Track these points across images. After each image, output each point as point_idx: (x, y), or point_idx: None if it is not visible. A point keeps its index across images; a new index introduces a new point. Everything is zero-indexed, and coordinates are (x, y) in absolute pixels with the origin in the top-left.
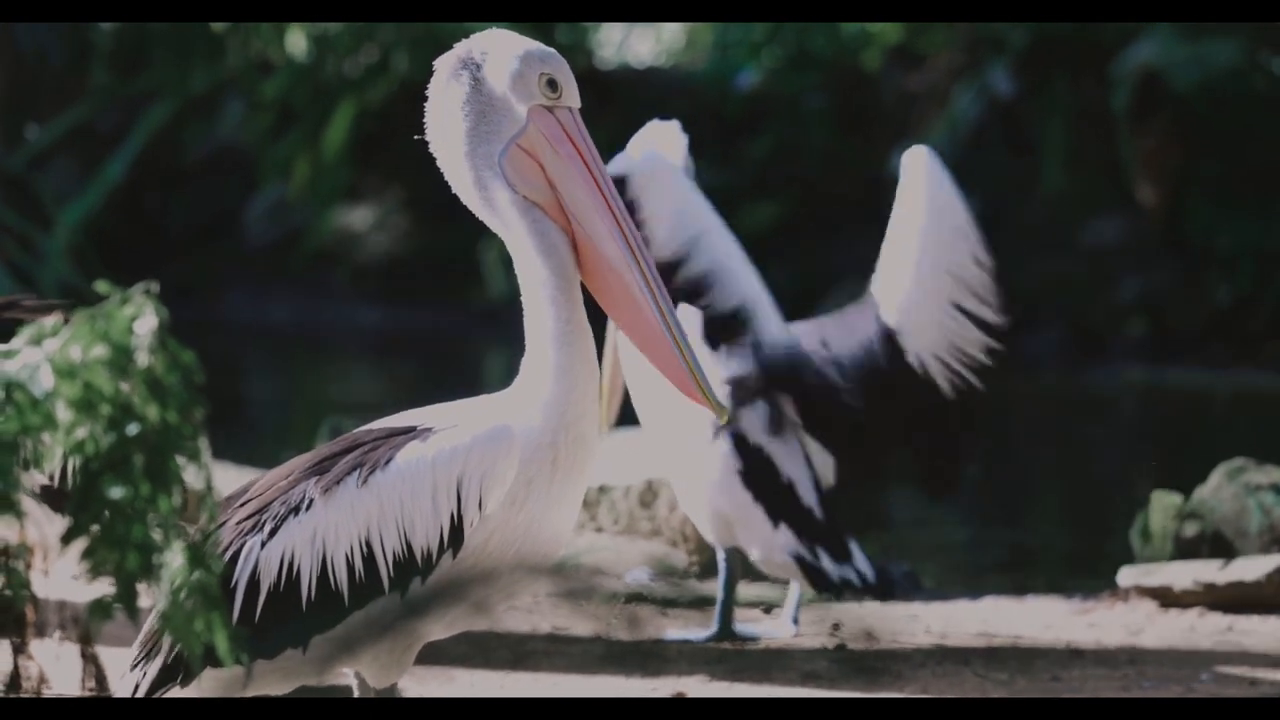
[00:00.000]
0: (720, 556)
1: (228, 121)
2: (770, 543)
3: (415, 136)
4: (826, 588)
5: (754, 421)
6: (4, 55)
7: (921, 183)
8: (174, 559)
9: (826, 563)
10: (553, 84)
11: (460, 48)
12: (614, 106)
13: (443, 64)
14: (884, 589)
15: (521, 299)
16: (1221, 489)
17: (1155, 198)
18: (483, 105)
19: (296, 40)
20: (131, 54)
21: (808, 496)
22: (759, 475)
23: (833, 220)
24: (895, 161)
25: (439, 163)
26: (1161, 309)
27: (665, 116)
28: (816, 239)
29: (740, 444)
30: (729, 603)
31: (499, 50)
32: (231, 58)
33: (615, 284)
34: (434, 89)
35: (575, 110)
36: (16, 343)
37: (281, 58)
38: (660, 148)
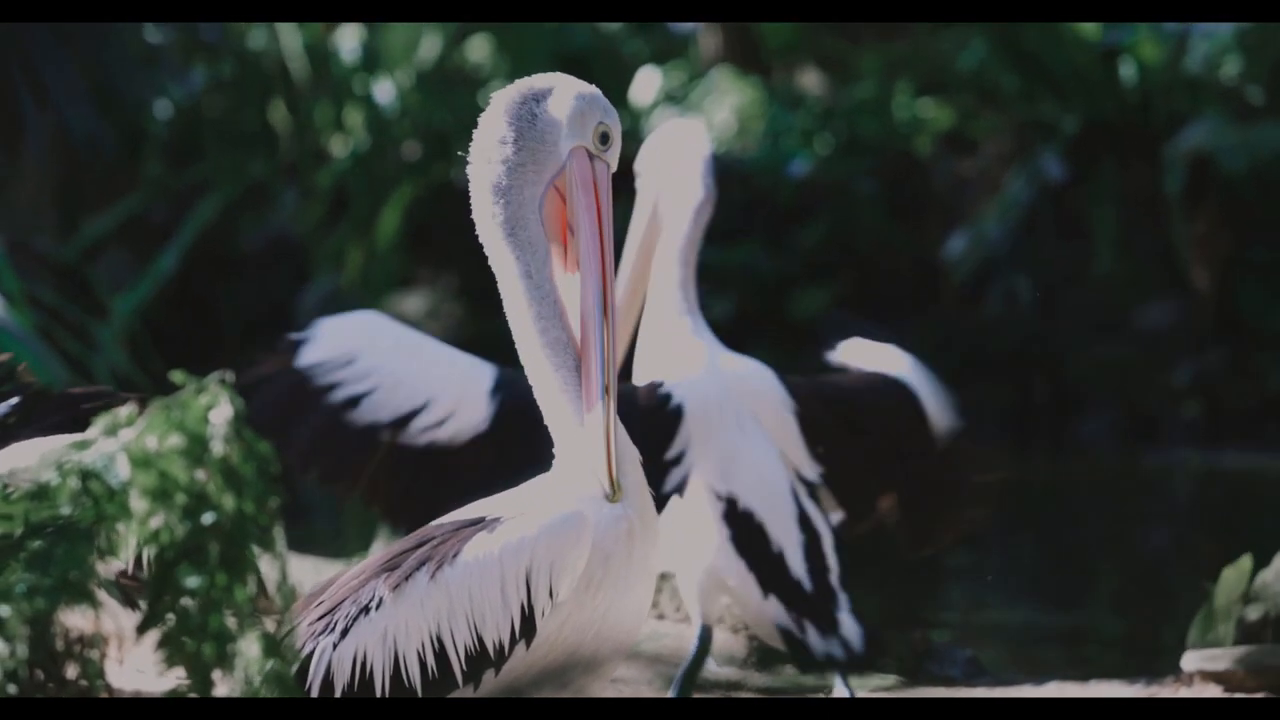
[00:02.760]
0: (696, 629)
1: (281, 212)
2: (760, 613)
3: (466, 159)
4: (810, 665)
5: (746, 486)
6: (56, 146)
7: None
8: (250, 648)
9: (813, 637)
10: (605, 137)
11: (525, 82)
12: None
13: (503, 95)
14: (870, 657)
15: (521, 356)
16: None
17: (1207, 281)
18: (534, 143)
19: (354, 120)
20: (185, 145)
21: (796, 566)
22: (750, 543)
23: (885, 305)
24: (948, 247)
25: (473, 193)
26: (1215, 391)
27: (719, 203)
28: (869, 324)
29: (730, 511)
30: (692, 675)
31: (566, 86)
32: (287, 146)
33: (581, 334)
34: (489, 118)
35: (611, 171)
36: (92, 432)
37: (338, 147)
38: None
